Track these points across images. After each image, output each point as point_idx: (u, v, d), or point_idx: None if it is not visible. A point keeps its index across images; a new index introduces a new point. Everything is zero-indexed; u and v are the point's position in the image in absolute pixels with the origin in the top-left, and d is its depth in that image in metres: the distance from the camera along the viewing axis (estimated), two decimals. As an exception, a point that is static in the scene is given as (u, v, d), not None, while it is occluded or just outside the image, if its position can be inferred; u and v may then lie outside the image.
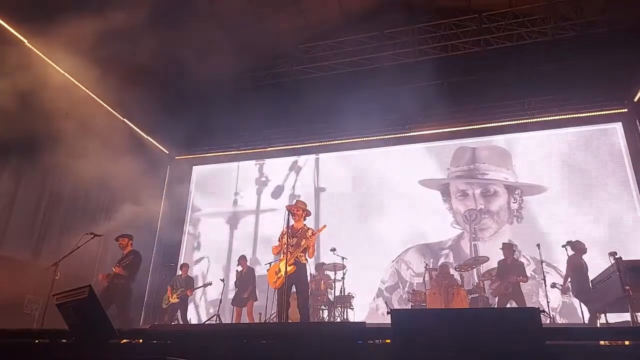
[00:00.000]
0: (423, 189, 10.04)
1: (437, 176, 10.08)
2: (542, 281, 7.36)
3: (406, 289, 9.22)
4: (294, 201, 6.42)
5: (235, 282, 8.91)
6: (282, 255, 5.91)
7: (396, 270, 9.62)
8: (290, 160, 11.37)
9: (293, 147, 11.33)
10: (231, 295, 9.13)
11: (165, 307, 8.78)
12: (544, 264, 7.53)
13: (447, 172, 10.09)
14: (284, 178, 11.25)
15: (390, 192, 10.14)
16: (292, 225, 6.05)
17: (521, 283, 7.56)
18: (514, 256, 8.04)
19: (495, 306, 7.58)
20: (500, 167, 9.79)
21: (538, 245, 7.52)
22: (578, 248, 7.21)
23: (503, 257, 7.91)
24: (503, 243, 8.18)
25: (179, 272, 9.39)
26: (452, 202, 9.85)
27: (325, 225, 6.19)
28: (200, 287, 9.20)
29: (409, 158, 10.44)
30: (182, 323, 8.69)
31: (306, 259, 6.03)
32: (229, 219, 11.24)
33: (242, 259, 9.07)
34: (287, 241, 5.91)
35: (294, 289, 5.90)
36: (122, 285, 6.73)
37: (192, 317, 10.10)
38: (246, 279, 8.80)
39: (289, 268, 5.72)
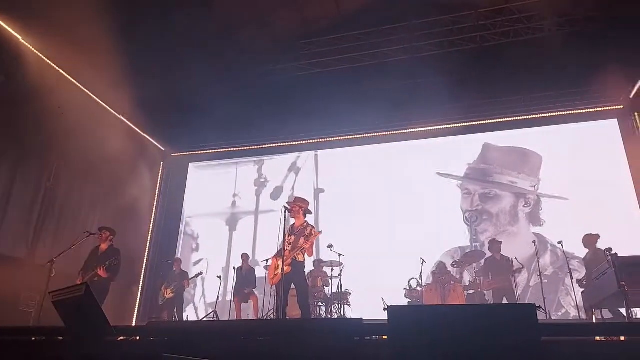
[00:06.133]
0: (425, 186, 9.97)
1: (438, 170, 10.03)
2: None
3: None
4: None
5: (235, 273, 8.96)
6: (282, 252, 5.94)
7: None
8: (289, 161, 11.31)
9: (291, 143, 11.27)
10: (229, 295, 9.14)
11: (162, 303, 8.81)
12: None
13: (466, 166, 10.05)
14: (283, 179, 11.18)
15: (390, 189, 10.09)
16: (293, 224, 6.07)
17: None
18: (502, 253, 8.05)
19: (491, 302, 7.60)
20: (509, 170, 9.72)
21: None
22: None
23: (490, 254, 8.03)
24: (491, 239, 8.26)
25: (173, 268, 9.40)
26: (460, 199, 9.87)
27: (320, 232, 6.16)
28: (194, 277, 9.23)
29: (405, 155, 10.40)
30: (177, 318, 8.70)
31: (304, 257, 6.03)
32: (227, 220, 11.19)
33: (244, 256, 9.16)
34: (286, 239, 5.93)
35: (293, 286, 5.93)
36: (102, 283, 6.63)
37: (191, 318, 10.08)
38: (246, 277, 8.84)
39: (285, 268, 5.75)
